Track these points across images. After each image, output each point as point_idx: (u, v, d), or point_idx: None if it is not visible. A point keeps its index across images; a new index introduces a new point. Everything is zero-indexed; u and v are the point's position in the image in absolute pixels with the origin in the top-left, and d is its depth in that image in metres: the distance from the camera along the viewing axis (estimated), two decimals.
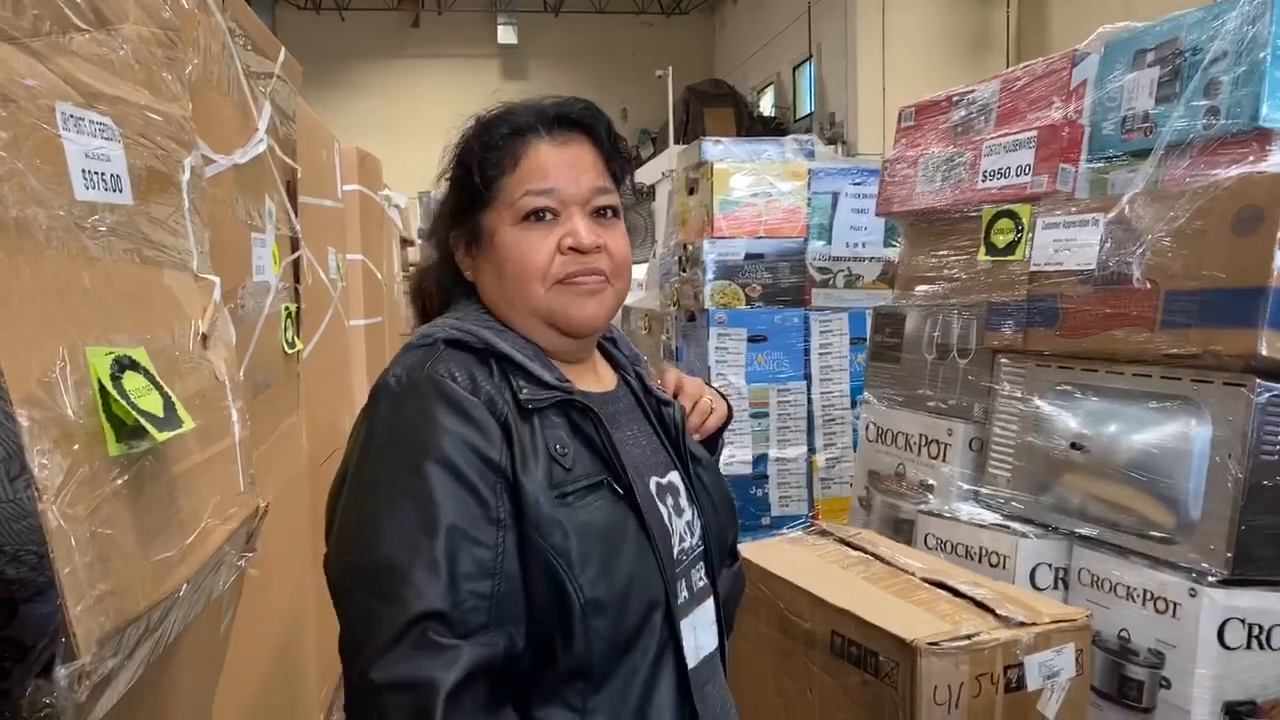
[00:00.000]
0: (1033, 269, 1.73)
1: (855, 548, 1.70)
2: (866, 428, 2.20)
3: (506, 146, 0.97)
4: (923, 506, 1.90)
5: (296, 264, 2.26)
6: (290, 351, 2.13)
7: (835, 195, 3.48)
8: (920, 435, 2.01)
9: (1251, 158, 1.43)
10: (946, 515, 1.80)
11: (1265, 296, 1.34)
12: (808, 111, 11.59)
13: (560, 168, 0.96)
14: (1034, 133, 1.77)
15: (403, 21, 14.78)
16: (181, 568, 1.16)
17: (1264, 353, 1.34)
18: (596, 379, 1.05)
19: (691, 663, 0.98)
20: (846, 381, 3.56)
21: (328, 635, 1.19)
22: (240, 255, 1.76)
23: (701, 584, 1.03)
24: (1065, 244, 1.66)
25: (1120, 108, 1.65)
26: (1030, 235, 1.75)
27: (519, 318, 0.98)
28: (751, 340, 3.49)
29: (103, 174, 1.08)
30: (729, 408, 1.20)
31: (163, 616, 1.12)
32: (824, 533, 1.82)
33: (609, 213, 0.98)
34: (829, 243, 3.49)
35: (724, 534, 1.08)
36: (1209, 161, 1.48)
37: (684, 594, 0.99)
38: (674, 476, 1.03)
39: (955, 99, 2.03)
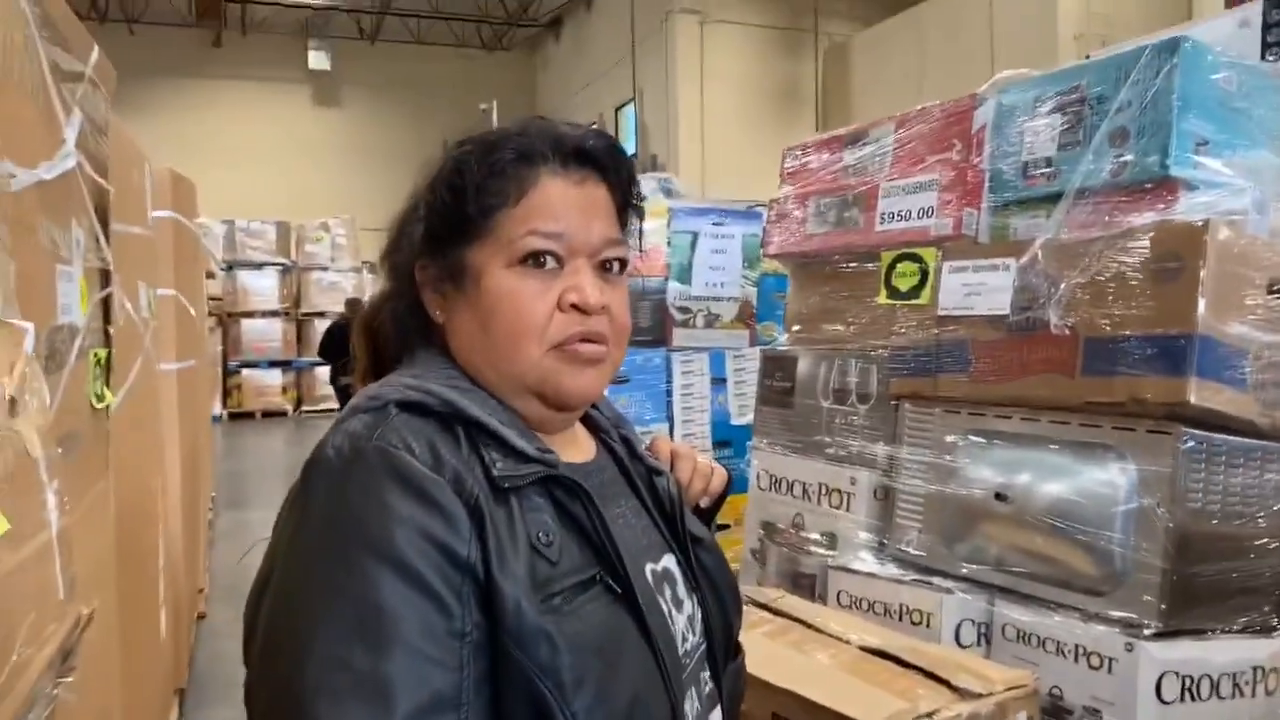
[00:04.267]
0: (941, 313, 1.69)
1: (776, 612, 1.58)
2: (758, 476, 2.10)
3: (512, 174, 0.82)
4: (833, 561, 1.81)
5: (107, 301, 1.91)
6: (99, 406, 1.77)
7: (695, 235, 3.43)
8: (819, 484, 1.92)
9: (1161, 205, 1.45)
10: (861, 571, 1.72)
11: (1191, 344, 1.34)
12: (630, 154, 11.77)
13: (572, 209, 0.82)
14: (936, 175, 1.74)
15: (203, 39, 13.80)
16: None
17: (1194, 401, 1.34)
18: (577, 449, 0.90)
19: None
20: (708, 423, 3.49)
21: None
22: (44, 292, 1.43)
23: (709, 689, 0.88)
24: (975, 288, 1.63)
25: (1021, 153, 1.65)
26: (935, 279, 1.72)
27: (498, 379, 0.83)
28: (613, 383, 3.33)
29: None
30: (728, 474, 1.06)
31: None
32: None
33: (616, 267, 0.86)
34: (688, 283, 3.43)
35: (730, 627, 0.94)
36: (1120, 208, 1.49)
37: (695, 708, 0.85)
38: (669, 561, 0.88)
39: (847, 140, 1.99)
